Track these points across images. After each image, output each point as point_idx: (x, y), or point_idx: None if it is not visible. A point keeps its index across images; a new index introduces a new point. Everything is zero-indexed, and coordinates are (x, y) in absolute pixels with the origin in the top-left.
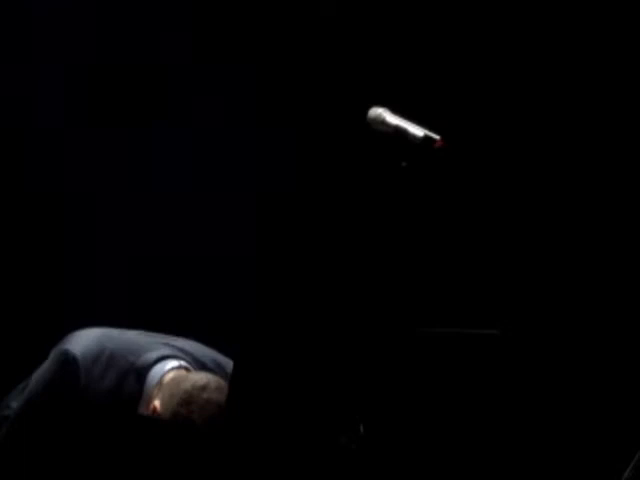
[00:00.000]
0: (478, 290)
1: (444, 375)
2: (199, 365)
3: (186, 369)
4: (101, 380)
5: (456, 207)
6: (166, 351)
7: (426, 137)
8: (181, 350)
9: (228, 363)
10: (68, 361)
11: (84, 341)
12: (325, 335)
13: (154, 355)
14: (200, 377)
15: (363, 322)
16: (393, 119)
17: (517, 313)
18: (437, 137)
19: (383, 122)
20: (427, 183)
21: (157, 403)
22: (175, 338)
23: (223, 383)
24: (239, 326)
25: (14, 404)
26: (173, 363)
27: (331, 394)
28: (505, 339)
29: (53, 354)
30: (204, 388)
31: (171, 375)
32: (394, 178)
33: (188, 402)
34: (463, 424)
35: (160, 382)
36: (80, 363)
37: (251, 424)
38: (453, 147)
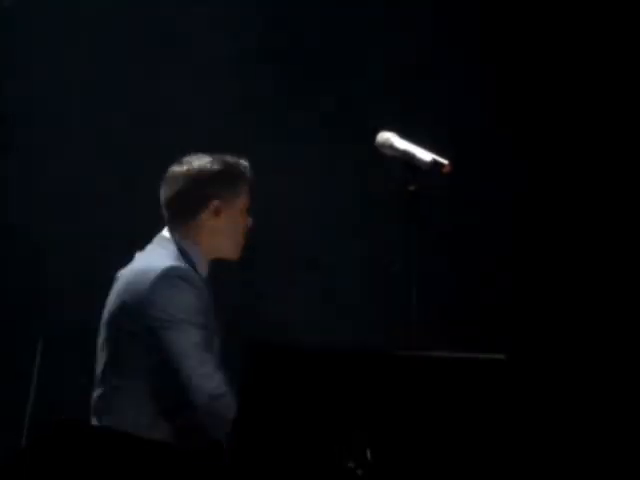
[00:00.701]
0: (485, 314)
1: (451, 399)
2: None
3: None
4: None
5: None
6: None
7: (434, 162)
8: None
9: None
10: (174, 270)
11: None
12: (333, 359)
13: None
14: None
15: (371, 347)
16: (401, 144)
17: (524, 338)
18: (445, 162)
19: (391, 146)
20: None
21: (215, 202)
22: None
23: None
24: (248, 349)
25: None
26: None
27: (338, 419)
28: (512, 364)
29: (162, 280)
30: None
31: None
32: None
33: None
34: (470, 449)
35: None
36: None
37: (259, 449)
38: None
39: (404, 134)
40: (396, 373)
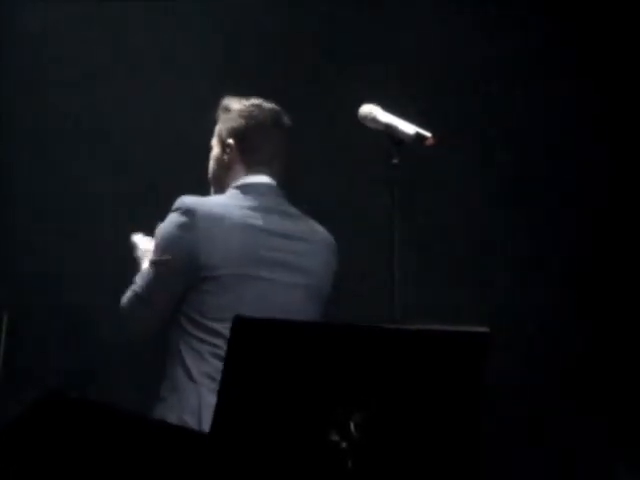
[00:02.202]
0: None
1: (435, 372)
2: None
3: None
4: None
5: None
6: None
7: (417, 134)
8: None
9: None
10: None
11: None
12: (317, 330)
13: None
14: None
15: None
16: (384, 116)
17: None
18: (428, 134)
19: (374, 119)
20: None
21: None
22: None
23: None
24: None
25: None
26: None
27: (321, 390)
28: (496, 337)
29: None
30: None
31: None
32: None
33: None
34: (453, 422)
35: None
36: None
37: (240, 422)
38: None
39: None
40: (380, 346)
